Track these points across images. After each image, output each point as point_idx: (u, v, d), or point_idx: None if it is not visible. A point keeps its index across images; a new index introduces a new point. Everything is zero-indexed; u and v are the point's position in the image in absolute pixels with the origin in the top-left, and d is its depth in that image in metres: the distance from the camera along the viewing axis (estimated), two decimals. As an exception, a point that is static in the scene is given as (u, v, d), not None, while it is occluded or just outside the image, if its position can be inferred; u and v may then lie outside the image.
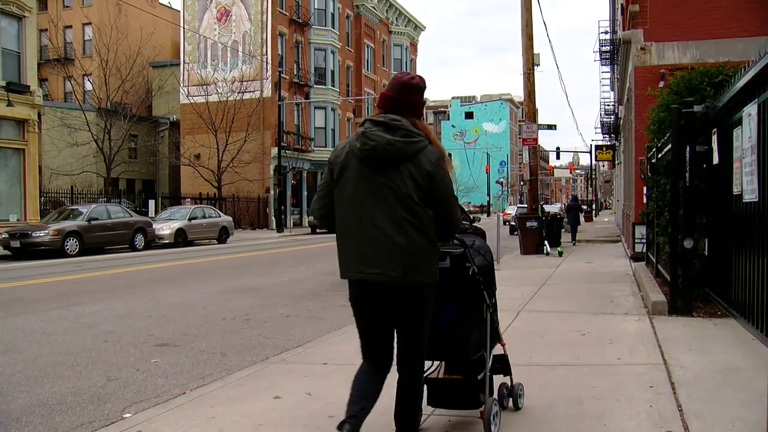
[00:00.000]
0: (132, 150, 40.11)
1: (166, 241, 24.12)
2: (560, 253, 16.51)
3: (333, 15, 45.29)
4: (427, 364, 3.68)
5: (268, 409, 4.40)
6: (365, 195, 3.03)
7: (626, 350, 5.62)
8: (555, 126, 32.27)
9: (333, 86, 44.80)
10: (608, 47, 27.37)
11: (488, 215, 67.62)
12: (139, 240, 22.63)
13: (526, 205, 23.24)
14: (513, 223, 28.31)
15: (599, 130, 43.65)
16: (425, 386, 3.59)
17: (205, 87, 37.97)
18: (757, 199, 5.16)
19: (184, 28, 41.53)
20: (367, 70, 51.75)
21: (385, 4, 56.30)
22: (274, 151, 37.19)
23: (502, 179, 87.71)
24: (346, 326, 7.54)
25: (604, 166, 69.73)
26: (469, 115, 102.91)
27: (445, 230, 3.15)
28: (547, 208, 25.71)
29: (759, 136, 5.01)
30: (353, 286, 3.16)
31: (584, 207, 43.33)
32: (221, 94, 37.09)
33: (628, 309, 7.77)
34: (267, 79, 39.55)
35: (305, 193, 44.02)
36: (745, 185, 5.41)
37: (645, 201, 11.44)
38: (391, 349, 3.30)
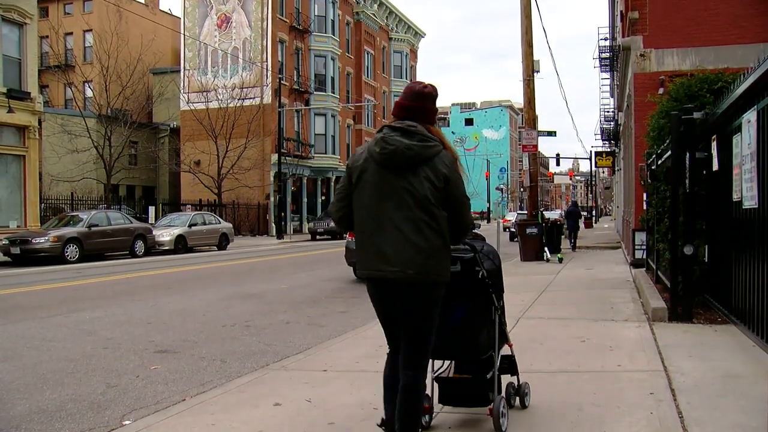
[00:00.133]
0: (132, 156, 40.14)
1: (166, 248, 24.12)
2: (560, 260, 16.50)
3: (333, 22, 45.41)
4: (438, 363, 3.97)
5: (268, 416, 4.39)
6: (384, 197, 3.19)
7: (626, 357, 5.62)
8: (555, 133, 32.40)
9: (333, 93, 44.86)
10: (608, 54, 27.42)
11: (488, 222, 67.62)
12: (139, 246, 22.62)
13: (526, 212, 23.26)
14: (513, 229, 28.28)
15: (599, 137, 43.79)
16: (437, 385, 3.86)
17: (205, 93, 38.00)
18: (756, 206, 5.17)
19: (184, 34, 41.62)
20: (367, 76, 51.83)
21: (385, 11, 56.46)
22: (274, 157, 37.22)
23: (502, 186, 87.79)
24: (346, 333, 7.56)
25: (604, 172, 69.73)
26: (469, 122, 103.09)
27: (458, 230, 3.31)
28: (547, 214, 25.70)
29: (758, 142, 5.02)
30: (371, 283, 3.31)
31: (584, 213, 43.35)
32: (221, 100, 37.12)
33: (628, 315, 7.76)
34: (267, 85, 39.62)
35: (305, 200, 44.05)
36: (745, 192, 5.41)
37: (645, 207, 11.44)
38: None
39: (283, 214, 37.59)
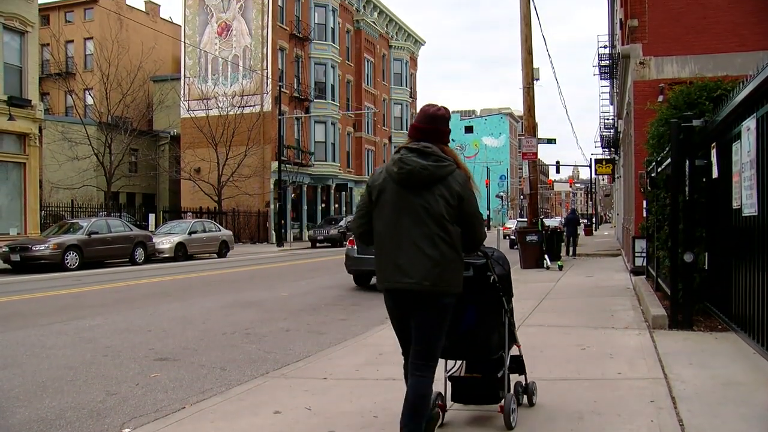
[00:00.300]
0: (132, 164, 40.13)
1: (166, 255, 24.11)
2: (560, 267, 16.49)
3: (333, 30, 45.53)
4: (450, 363, 4.19)
5: (267, 424, 4.39)
6: (402, 213, 3.41)
7: (627, 364, 5.61)
8: (555, 140, 32.35)
9: (333, 100, 44.94)
10: (607, 61, 27.50)
11: (488, 229, 67.57)
12: (139, 254, 22.61)
13: (526, 219, 23.25)
14: (513, 237, 28.28)
15: (599, 144, 43.84)
16: (450, 384, 4.10)
17: (205, 101, 38.06)
18: (756, 213, 5.18)
19: (184, 42, 41.74)
20: (367, 84, 51.92)
21: (385, 18, 56.61)
22: (275, 165, 37.24)
23: (502, 193, 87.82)
24: (346, 341, 7.55)
25: (603, 179, 69.71)
26: (469, 129, 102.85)
27: (470, 244, 3.57)
28: (548, 222, 25.70)
29: (758, 150, 5.03)
30: (389, 295, 3.52)
31: (583, 221, 43.37)
32: (221, 108, 37.17)
33: (628, 323, 7.76)
34: (267, 93, 39.69)
35: (305, 207, 44.04)
36: (745, 199, 5.42)
37: (645, 215, 11.45)
38: None
39: (283, 221, 37.59)
